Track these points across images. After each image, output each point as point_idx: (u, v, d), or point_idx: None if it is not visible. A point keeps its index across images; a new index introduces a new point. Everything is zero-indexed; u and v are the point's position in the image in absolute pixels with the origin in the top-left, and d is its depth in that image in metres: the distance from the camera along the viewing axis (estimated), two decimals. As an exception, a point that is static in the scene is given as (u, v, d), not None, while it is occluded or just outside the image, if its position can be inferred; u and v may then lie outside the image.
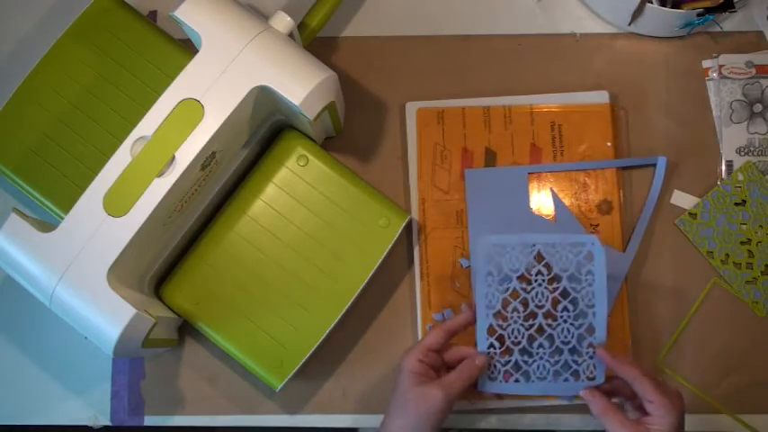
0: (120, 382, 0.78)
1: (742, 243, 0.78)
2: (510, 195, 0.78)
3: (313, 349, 0.72)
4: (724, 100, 0.80)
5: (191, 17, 0.66)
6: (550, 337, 0.69)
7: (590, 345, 0.67)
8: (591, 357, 0.67)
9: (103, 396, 0.78)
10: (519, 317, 0.69)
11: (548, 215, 0.78)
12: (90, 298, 0.63)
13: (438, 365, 0.68)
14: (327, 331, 0.72)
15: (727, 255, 0.78)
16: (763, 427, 0.75)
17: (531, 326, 0.69)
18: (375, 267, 0.73)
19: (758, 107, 0.80)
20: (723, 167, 0.79)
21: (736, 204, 0.78)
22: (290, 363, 0.72)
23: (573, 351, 0.68)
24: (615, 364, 0.64)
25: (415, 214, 0.79)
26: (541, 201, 0.78)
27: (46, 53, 0.76)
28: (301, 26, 0.76)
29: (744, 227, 0.78)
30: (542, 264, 0.69)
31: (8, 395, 0.78)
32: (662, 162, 0.78)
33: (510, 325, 0.69)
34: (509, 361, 0.69)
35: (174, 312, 0.74)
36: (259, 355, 0.72)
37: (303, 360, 0.72)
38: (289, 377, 0.72)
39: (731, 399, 0.76)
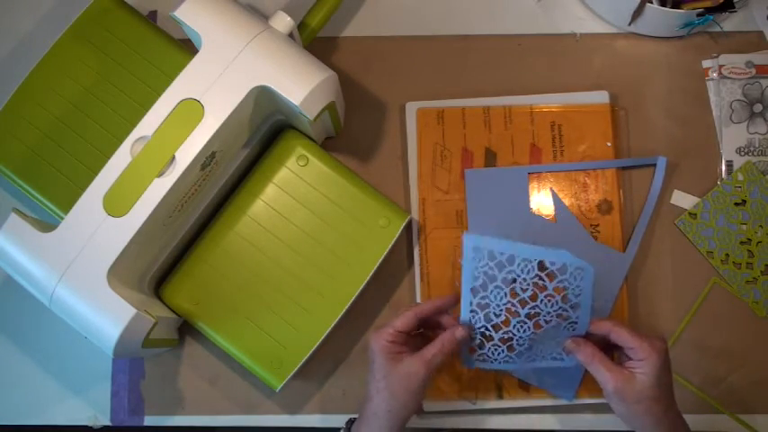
0: (120, 382, 0.78)
1: (742, 243, 0.78)
2: (510, 195, 0.78)
3: (313, 349, 0.72)
4: (724, 100, 0.80)
5: (191, 17, 0.66)
6: (538, 324, 0.67)
7: (569, 321, 0.66)
8: (574, 330, 0.66)
9: (103, 396, 0.78)
10: (505, 293, 0.66)
11: (548, 215, 0.78)
12: (90, 298, 0.63)
13: (408, 339, 0.67)
14: (327, 331, 0.72)
15: (727, 255, 0.78)
16: (763, 427, 0.75)
17: (515, 305, 0.66)
18: (375, 267, 0.73)
19: (758, 107, 0.80)
20: (723, 167, 0.79)
21: (736, 204, 0.78)
22: (290, 363, 0.72)
23: (556, 328, 0.66)
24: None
25: (415, 214, 0.79)
26: (541, 201, 0.78)
27: (46, 53, 0.76)
28: (301, 26, 0.76)
29: (744, 227, 0.78)
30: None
31: (8, 395, 0.78)
32: (662, 162, 0.78)
33: (494, 303, 0.66)
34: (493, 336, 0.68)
35: (174, 312, 0.74)
36: (259, 355, 0.72)
37: (303, 360, 0.72)
38: (289, 377, 0.72)
39: (731, 399, 0.76)
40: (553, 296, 0.66)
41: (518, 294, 0.66)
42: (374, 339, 0.66)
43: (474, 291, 0.67)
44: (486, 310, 0.67)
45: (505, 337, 0.68)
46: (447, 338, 0.66)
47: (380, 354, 0.65)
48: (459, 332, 0.67)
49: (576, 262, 0.64)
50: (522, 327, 0.67)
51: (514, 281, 0.66)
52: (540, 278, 0.65)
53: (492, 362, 0.70)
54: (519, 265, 0.65)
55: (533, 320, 0.67)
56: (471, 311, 0.67)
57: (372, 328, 0.78)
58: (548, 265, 0.65)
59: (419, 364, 0.64)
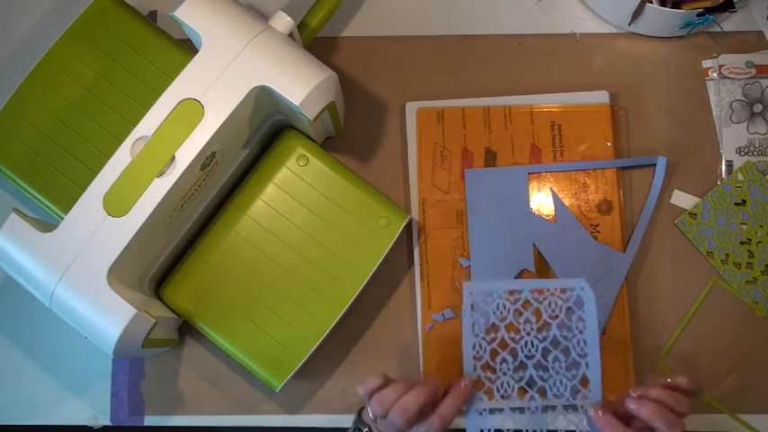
0: (120, 382, 0.78)
1: (742, 243, 0.78)
2: (510, 195, 0.78)
3: (313, 349, 0.72)
4: (724, 100, 0.80)
5: (191, 17, 0.66)
6: (543, 391, 0.64)
7: (584, 398, 0.63)
8: (587, 413, 0.62)
9: (103, 396, 0.78)
10: (508, 368, 0.64)
11: (548, 215, 0.78)
12: (90, 298, 0.63)
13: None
14: (327, 331, 0.72)
15: (727, 255, 0.78)
16: (763, 427, 0.75)
17: (522, 378, 0.64)
18: (375, 267, 0.73)
19: (758, 107, 0.80)
20: (723, 167, 0.79)
21: (736, 204, 0.78)
22: (290, 363, 0.72)
23: (568, 407, 0.64)
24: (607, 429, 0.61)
25: (415, 214, 0.79)
26: (541, 201, 0.78)
27: (46, 53, 0.76)
28: (301, 26, 0.76)
29: (744, 227, 0.78)
30: (530, 311, 0.65)
31: (8, 395, 0.78)
32: (662, 162, 0.78)
33: (499, 378, 0.64)
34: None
35: (174, 312, 0.74)
36: (259, 355, 0.72)
37: (303, 360, 0.72)
38: (289, 377, 0.72)
39: (731, 399, 0.76)
40: (551, 351, 0.64)
41: (519, 355, 0.65)
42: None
43: (477, 357, 0.65)
44: (491, 382, 0.65)
45: (515, 414, 0.65)
46: (455, 395, 0.62)
47: None
48: (466, 381, 0.63)
49: (562, 284, 0.64)
50: (528, 395, 0.65)
51: (515, 341, 0.65)
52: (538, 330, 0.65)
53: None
54: (511, 311, 0.64)
55: (538, 386, 0.65)
56: (476, 381, 0.64)
57: (372, 328, 0.78)
58: (531, 300, 0.64)
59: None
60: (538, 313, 0.65)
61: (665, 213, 0.79)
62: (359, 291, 0.73)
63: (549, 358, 0.64)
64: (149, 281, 0.73)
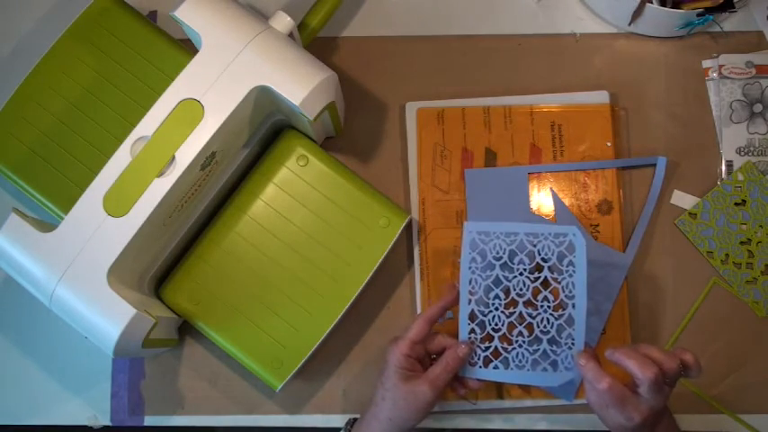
0: (120, 382, 0.78)
1: (742, 243, 0.78)
2: (510, 195, 0.78)
3: (313, 349, 0.72)
4: (724, 100, 0.80)
5: (191, 17, 0.66)
6: (530, 326, 0.69)
7: (568, 336, 0.67)
8: (569, 348, 0.68)
9: (103, 396, 0.78)
10: (500, 304, 0.69)
11: (548, 215, 0.78)
12: (90, 298, 0.63)
13: (422, 356, 0.69)
14: (327, 331, 0.72)
15: (727, 255, 0.78)
16: (763, 427, 0.75)
17: (512, 313, 0.69)
18: (375, 267, 0.73)
19: (758, 107, 0.80)
20: (723, 167, 0.79)
21: (736, 204, 0.78)
22: (290, 363, 0.72)
23: (552, 341, 0.68)
24: (587, 375, 0.64)
25: (415, 214, 0.79)
26: (541, 201, 0.78)
27: (46, 53, 0.76)
28: (301, 26, 0.76)
29: (744, 227, 0.78)
30: (525, 253, 0.69)
31: (8, 395, 0.78)
32: (662, 162, 0.78)
33: (491, 311, 0.69)
34: (489, 347, 0.69)
35: (174, 312, 0.74)
36: (259, 355, 0.72)
37: (303, 360, 0.72)
38: (289, 377, 0.72)
39: (731, 399, 0.76)
40: (541, 290, 0.69)
41: (511, 293, 0.69)
42: (390, 351, 0.67)
43: (471, 292, 0.69)
44: (483, 315, 0.69)
45: (503, 344, 0.69)
46: (450, 357, 0.67)
47: (393, 368, 0.66)
48: (462, 350, 0.67)
49: (556, 229, 0.68)
50: (516, 329, 0.69)
51: (508, 279, 0.69)
52: (532, 272, 0.69)
53: (483, 361, 0.70)
54: (509, 254, 0.69)
55: (526, 321, 0.69)
56: (470, 313, 0.69)
57: (372, 328, 0.78)
58: (526, 243, 0.68)
59: (425, 385, 0.65)
60: (531, 256, 0.68)
61: (665, 213, 0.79)
62: (359, 291, 0.73)
63: (539, 297, 0.69)
64: (149, 281, 0.73)
